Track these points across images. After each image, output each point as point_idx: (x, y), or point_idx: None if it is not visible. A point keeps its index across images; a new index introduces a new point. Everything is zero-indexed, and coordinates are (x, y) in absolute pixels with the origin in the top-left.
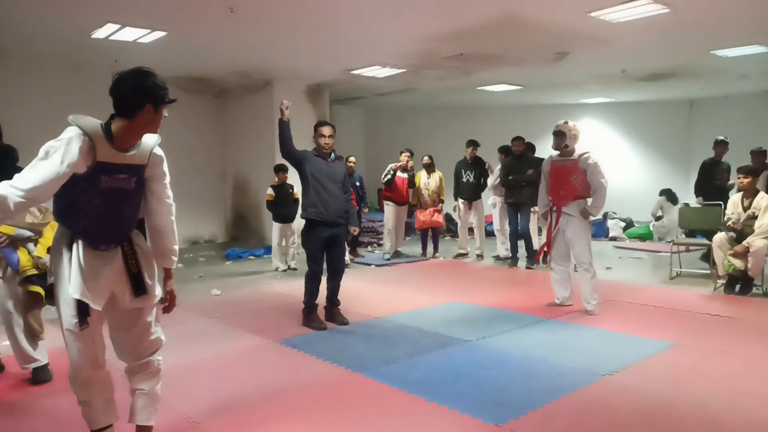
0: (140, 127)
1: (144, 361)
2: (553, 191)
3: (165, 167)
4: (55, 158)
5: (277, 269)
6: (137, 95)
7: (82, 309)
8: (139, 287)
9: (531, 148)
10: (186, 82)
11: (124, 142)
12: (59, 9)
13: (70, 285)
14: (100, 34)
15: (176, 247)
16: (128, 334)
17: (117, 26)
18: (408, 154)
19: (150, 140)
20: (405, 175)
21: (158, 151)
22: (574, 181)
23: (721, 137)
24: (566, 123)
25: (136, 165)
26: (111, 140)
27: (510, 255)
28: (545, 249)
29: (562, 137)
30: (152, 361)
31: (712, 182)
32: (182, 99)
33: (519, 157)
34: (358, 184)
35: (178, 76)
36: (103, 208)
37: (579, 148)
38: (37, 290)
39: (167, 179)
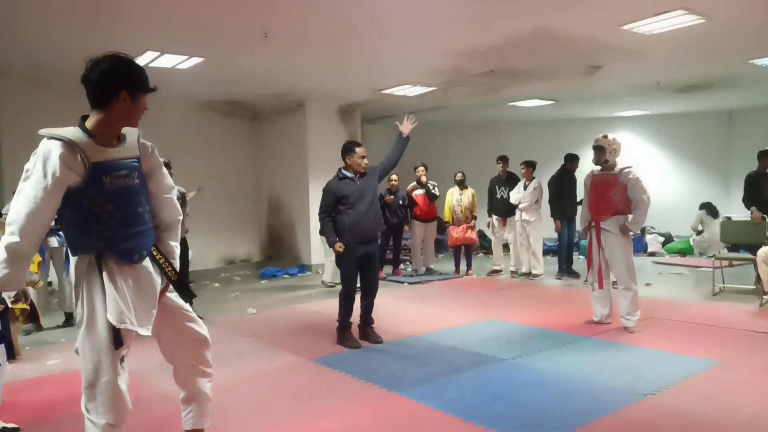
0: (117, 118)
1: (201, 358)
2: (592, 206)
3: (158, 156)
4: (36, 175)
5: (323, 282)
6: (111, 81)
7: (117, 337)
8: (186, 293)
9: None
10: (222, 105)
11: (105, 136)
12: (101, 38)
13: (109, 313)
14: (140, 61)
15: (177, 247)
16: (184, 342)
17: (156, 53)
18: (422, 168)
19: (132, 132)
20: (421, 191)
21: (145, 141)
22: (614, 196)
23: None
24: (606, 137)
25: (131, 158)
26: (92, 138)
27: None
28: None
29: (601, 152)
30: (206, 356)
31: (760, 195)
32: (218, 122)
33: (570, 175)
34: (401, 202)
35: (214, 100)
36: (119, 213)
37: (621, 162)
38: (24, 307)
39: (165, 171)
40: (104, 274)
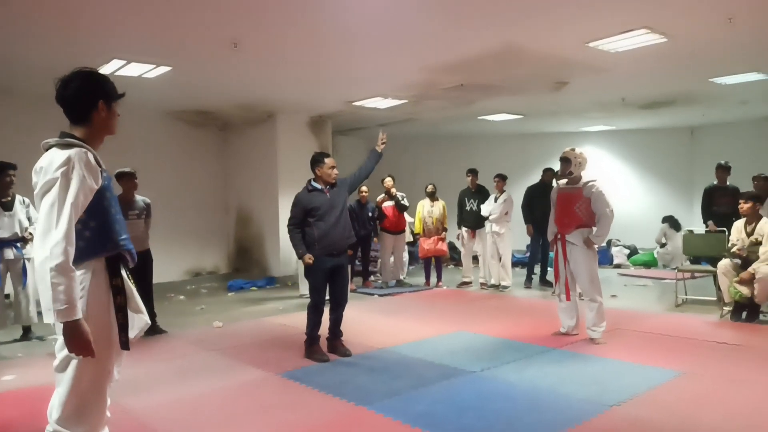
0: (99, 128)
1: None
2: (557, 219)
3: None
4: (74, 184)
5: (302, 296)
6: (87, 94)
7: (126, 339)
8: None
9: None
10: (190, 115)
11: (94, 148)
12: (66, 46)
13: (131, 308)
14: (106, 70)
15: None
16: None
17: (123, 62)
18: (390, 179)
19: None
20: (391, 203)
21: None
22: (578, 209)
23: (721, 162)
24: (573, 150)
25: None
26: None
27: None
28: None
29: (567, 163)
30: None
31: (714, 207)
32: (186, 132)
33: (544, 187)
34: (371, 214)
35: (182, 110)
36: (119, 216)
37: (586, 176)
38: None
39: None
40: (123, 272)
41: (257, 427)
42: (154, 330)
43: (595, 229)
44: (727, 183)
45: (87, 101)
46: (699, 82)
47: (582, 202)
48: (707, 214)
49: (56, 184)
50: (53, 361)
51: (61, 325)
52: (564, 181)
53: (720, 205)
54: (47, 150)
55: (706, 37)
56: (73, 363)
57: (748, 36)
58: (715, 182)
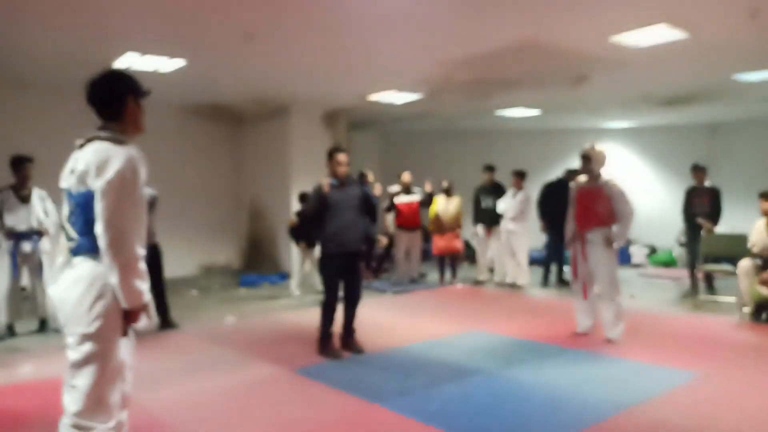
0: (130, 123)
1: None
2: (577, 217)
3: None
4: (138, 181)
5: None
6: (117, 92)
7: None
8: None
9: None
10: (203, 109)
11: None
12: (81, 38)
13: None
14: (120, 63)
15: None
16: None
17: (138, 54)
18: (408, 175)
19: None
20: (407, 199)
21: None
22: (599, 207)
23: (697, 163)
24: (592, 147)
25: None
26: None
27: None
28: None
29: (587, 161)
30: None
31: (692, 207)
32: (199, 127)
33: (564, 184)
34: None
35: (195, 104)
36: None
37: (605, 174)
38: None
39: None
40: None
41: (269, 423)
42: (166, 324)
43: (615, 227)
44: (705, 184)
45: (118, 99)
46: (721, 79)
47: (603, 201)
48: (686, 213)
49: (123, 183)
50: (69, 355)
51: (89, 324)
52: (583, 178)
53: (696, 205)
54: (89, 141)
55: (728, 34)
56: (94, 359)
57: None
58: (694, 183)
